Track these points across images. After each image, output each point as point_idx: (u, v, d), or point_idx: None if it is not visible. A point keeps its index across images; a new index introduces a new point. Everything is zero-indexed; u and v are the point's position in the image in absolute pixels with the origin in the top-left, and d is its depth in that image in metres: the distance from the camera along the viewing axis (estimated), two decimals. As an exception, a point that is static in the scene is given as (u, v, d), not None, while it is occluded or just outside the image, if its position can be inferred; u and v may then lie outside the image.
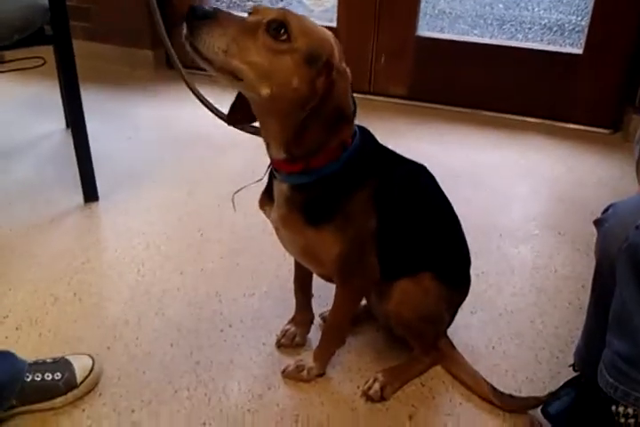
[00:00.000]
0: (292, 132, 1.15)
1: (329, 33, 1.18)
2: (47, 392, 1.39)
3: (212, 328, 1.63)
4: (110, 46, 3.22)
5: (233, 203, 1.43)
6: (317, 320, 1.64)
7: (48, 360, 1.44)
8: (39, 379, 1.39)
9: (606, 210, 1.18)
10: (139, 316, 1.66)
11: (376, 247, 1.32)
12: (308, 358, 1.50)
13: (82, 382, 1.42)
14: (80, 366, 1.44)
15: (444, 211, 1.45)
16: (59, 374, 1.41)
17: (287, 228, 1.32)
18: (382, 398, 1.43)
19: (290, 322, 1.61)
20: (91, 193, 2.15)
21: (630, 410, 1.06)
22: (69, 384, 1.41)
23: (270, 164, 1.30)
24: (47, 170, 2.35)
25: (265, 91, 1.12)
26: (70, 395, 1.41)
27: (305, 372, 1.48)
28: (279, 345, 1.58)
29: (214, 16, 1.06)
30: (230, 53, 1.07)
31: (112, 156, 2.45)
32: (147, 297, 1.73)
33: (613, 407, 1.08)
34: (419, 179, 1.40)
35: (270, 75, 1.11)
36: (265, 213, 1.37)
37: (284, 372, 1.49)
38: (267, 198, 1.35)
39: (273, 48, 1.10)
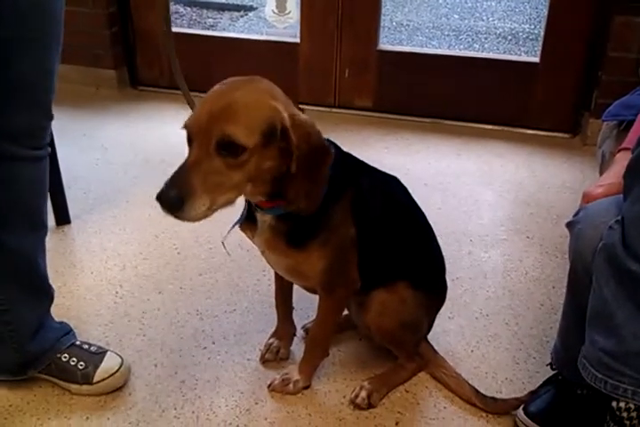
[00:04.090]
0: (273, 185, 1.19)
1: (267, 94, 1.15)
2: (66, 374, 1.47)
3: (196, 346, 1.64)
4: (73, 66, 3.19)
5: (225, 248, 1.43)
6: (300, 333, 1.66)
7: (89, 348, 1.51)
8: (66, 360, 1.47)
9: (577, 213, 1.23)
10: (120, 338, 1.66)
11: (357, 256, 1.35)
12: (293, 372, 1.52)
13: (97, 383, 1.47)
14: (105, 366, 1.48)
15: (418, 220, 1.49)
16: (83, 364, 1.47)
17: (273, 251, 1.34)
18: (370, 406, 1.46)
19: (272, 336, 1.63)
20: (62, 216, 2.13)
21: (632, 405, 1.10)
22: (85, 378, 1.47)
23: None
24: (16, 194, 2.33)
25: (248, 188, 1.17)
26: (84, 388, 1.47)
27: (291, 385, 1.50)
28: (263, 360, 1.59)
29: (183, 201, 1.08)
30: (214, 203, 1.12)
31: (81, 177, 2.44)
32: (127, 318, 1.73)
33: (614, 403, 1.12)
34: (391, 188, 1.44)
35: (247, 179, 1.15)
36: (247, 235, 1.39)
37: (269, 386, 1.51)
38: (248, 223, 1.35)
39: (238, 164, 1.11)
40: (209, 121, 1.09)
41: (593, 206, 1.20)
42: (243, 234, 1.39)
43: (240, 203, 1.34)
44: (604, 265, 1.07)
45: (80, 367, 1.47)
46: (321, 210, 1.25)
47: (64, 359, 1.47)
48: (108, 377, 1.47)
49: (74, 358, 1.48)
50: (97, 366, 1.47)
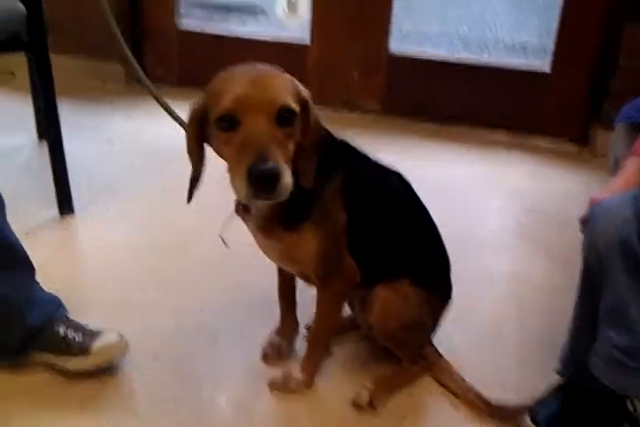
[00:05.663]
0: None
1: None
2: (62, 347, 1.45)
3: (197, 340, 1.61)
4: (81, 60, 3.19)
5: (223, 241, 1.40)
6: (303, 332, 1.63)
7: (86, 325, 1.50)
8: (63, 332, 1.46)
9: (591, 208, 1.21)
10: (120, 329, 1.62)
11: (348, 244, 1.33)
12: (294, 370, 1.49)
13: (94, 353, 1.44)
14: (103, 339, 1.47)
15: (420, 215, 1.46)
16: (80, 336, 1.46)
17: (266, 236, 1.33)
18: (372, 407, 1.43)
19: (275, 333, 1.60)
20: (66, 206, 2.11)
21: None
22: (82, 349, 1.44)
23: None
24: (19, 183, 2.30)
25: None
26: (80, 361, 1.44)
27: (292, 383, 1.47)
28: (265, 357, 1.56)
29: (278, 173, 1.07)
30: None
31: (86, 168, 2.41)
32: (127, 310, 1.70)
33: (628, 403, 1.10)
34: (389, 179, 1.41)
35: (294, 150, 1.17)
36: (243, 220, 1.37)
37: (270, 383, 1.48)
38: (242, 209, 1.34)
39: (292, 133, 1.14)
40: (261, 96, 1.10)
41: (607, 201, 1.18)
42: (246, 229, 1.37)
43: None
44: (619, 259, 1.06)
45: (77, 339, 1.45)
46: (312, 192, 1.25)
47: (61, 331, 1.46)
48: (106, 348, 1.45)
49: (71, 331, 1.46)
50: (94, 339, 1.46)
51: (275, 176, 1.07)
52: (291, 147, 1.14)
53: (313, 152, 1.21)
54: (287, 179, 1.09)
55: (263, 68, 1.17)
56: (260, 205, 1.27)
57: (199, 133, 1.20)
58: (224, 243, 1.39)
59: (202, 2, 5.00)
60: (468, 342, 1.67)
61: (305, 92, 1.18)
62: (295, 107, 1.13)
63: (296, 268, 1.42)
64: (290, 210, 1.26)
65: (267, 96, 1.10)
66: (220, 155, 1.18)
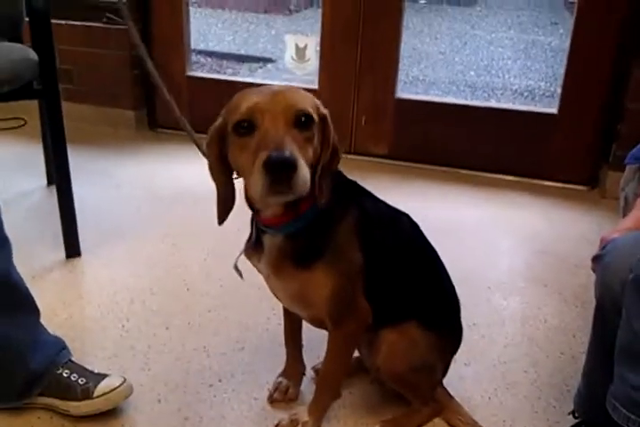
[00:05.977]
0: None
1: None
2: (65, 391, 1.43)
3: (201, 383, 1.58)
4: (92, 107, 3.25)
5: (238, 273, 1.38)
6: (310, 374, 1.60)
7: (90, 369, 1.49)
8: (66, 376, 1.44)
9: (604, 246, 1.19)
10: (123, 371, 1.59)
11: (363, 285, 1.30)
12: (302, 413, 1.44)
13: (97, 397, 1.42)
14: (107, 383, 1.44)
15: (429, 257, 1.44)
16: (84, 380, 1.43)
17: (279, 274, 1.29)
18: (382, 451, 1.39)
19: (281, 375, 1.57)
20: (73, 248, 2.11)
21: None
22: (85, 393, 1.42)
23: (255, 221, 1.30)
24: (27, 226, 2.32)
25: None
26: (83, 405, 1.42)
27: (299, 426, 1.43)
28: (271, 400, 1.53)
29: (295, 160, 1.05)
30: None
31: (94, 212, 2.43)
32: (132, 352, 1.68)
33: None
34: (399, 219, 1.40)
35: (314, 158, 1.16)
36: (252, 262, 1.35)
37: (277, 427, 1.44)
38: (253, 249, 1.33)
39: (310, 138, 1.13)
40: (280, 101, 1.10)
41: (621, 239, 1.16)
42: (253, 270, 1.36)
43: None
44: (635, 297, 1.03)
45: (80, 383, 1.43)
46: (328, 226, 1.24)
47: (65, 375, 1.44)
48: (109, 392, 1.42)
49: (74, 374, 1.44)
50: (98, 382, 1.43)
51: (291, 164, 1.03)
52: (309, 152, 1.12)
53: (330, 170, 1.21)
54: (304, 172, 1.06)
55: (282, 85, 1.20)
56: (275, 241, 1.26)
57: (221, 151, 1.18)
58: (239, 275, 1.37)
59: (212, 51, 5.14)
60: (479, 383, 1.62)
61: (324, 109, 1.19)
62: (314, 114, 1.13)
63: (307, 311, 1.38)
64: (303, 247, 1.25)
65: (284, 102, 1.10)
66: (238, 166, 1.16)
